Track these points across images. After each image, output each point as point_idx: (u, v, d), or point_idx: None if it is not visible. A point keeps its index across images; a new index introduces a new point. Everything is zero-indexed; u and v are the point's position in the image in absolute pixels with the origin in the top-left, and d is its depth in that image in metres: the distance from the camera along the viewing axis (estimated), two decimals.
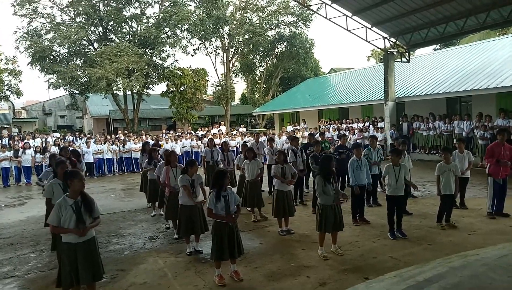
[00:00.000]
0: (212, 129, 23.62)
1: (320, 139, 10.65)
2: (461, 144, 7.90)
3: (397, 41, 16.74)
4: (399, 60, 17.29)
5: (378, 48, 18.08)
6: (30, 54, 24.22)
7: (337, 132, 17.76)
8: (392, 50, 16.87)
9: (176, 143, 17.45)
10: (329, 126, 19.70)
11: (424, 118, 15.95)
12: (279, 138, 18.04)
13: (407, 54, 17.26)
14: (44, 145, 17.36)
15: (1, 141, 18.90)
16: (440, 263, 4.76)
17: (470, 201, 8.48)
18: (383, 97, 17.05)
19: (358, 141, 15.33)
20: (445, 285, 3.86)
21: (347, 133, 16.65)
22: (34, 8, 24.92)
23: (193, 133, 20.06)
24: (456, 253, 5.36)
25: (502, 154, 7.09)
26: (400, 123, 16.78)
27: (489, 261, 4.56)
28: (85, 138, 18.74)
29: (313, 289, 4.60)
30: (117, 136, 19.82)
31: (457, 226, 6.73)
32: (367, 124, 18.23)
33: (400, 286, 4.08)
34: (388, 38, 16.64)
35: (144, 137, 18.33)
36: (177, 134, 20.05)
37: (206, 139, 16.11)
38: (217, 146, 11.06)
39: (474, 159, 13.26)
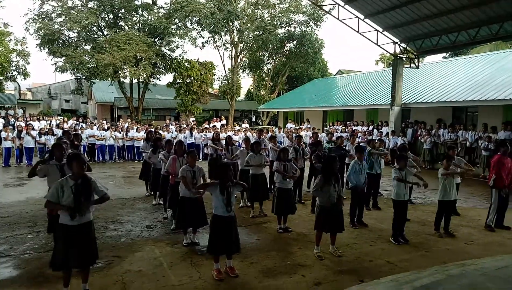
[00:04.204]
0: (214, 122, 23.55)
1: (327, 139, 10.98)
2: (453, 151, 7.80)
3: (407, 47, 16.65)
4: (408, 66, 17.20)
5: (388, 52, 17.99)
6: (40, 36, 24.22)
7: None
8: (401, 56, 16.79)
9: (179, 133, 17.45)
10: (336, 127, 19.59)
11: (428, 125, 15.89)
12: (279, 132, 18.75)
13: (417, 60, 17.17)
14: (49, 127, 17.42)
15: (3, 121, 18.98)
16: (437, 270, 4.72)
17: (470, 211, 8.44)
18: (389, 102, 16.98)
19: (361, 144, 15.27)
20: None
21: (344, 134, 16.44)
22: None
23: (187, 126, 19.76)
24: (453, 262, 5.32)
25: (506, 166, 7.03)
26: (405, 129, 16.72)
27: (488, 272, 4.52)
28: (88, 123, 18.77)
29: (308, 288, 4.58)
30: (118, 123, 19.80)
31: (455, 235, 6.69)
32: (371, 127, 18.17)
33: None
34: (398, 43, 16.56)
35: (149, 126, 18.32)
36: (181, 125, 19.95)
37: (209, 134, 16.10)
38: (221, 140, 11.06)
39: (476, 170, 13.29)
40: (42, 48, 24.77)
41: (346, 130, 18.23)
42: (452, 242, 6.37)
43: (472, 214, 8.18)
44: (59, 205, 4.01)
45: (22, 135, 14.76)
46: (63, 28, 24.59)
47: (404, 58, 16.88)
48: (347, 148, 9.85)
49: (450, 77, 17.43)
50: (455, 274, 4.45)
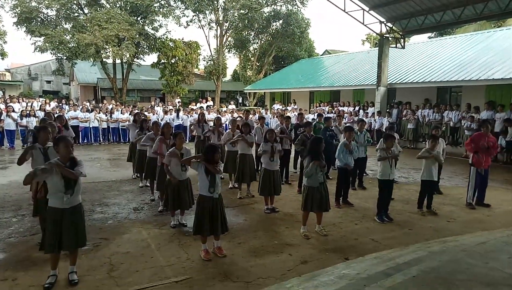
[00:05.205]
0: (202, 103, 23.33)
1: (317, 120, 10.97)
2: (437, 130, 7.93)
3: (393, 27, 16.61)
4: (394, 46, 17.22)
5: (374, 32, 17.93)
6: (16, 14, 23.30)
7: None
8: (388, 35, 16.76)
9: (166, 115, 17.24)
10: (323, 108, 19.63)
11: (414, 106, 16.03)
12: (266, 113, 18.75)
13: (403, 40, 17.18)
14: (30, 108, 16.99)
15: None
16: (420, 247, 4.87)
17: (452, 190, 8.66)
18: (375, 82, 17.05)
19: (348, 124, 15.36)
20: (424, 268, 3.96)
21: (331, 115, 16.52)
22: None
23: (173, 108, 19.57)
24: (435, 239, 5.49)
25: (485, 145, 7.19)
26: (391, 109, 16.86)
27: (468, 248, 4.69)
28: (71, 105, 18.39)
29: (295, 266, 4.67)
30: (102, 105, 19.46)
31: (437, 213, 6.87)
32: (357, 108, 18.27)
33: (380, 267, 4.17)
34: (384, 22, 16.50)
35: (134, 108, 18.01)
36: (167, 107, 19.72)
37: (195, 115, 15.95)
38: (208, 122, 10.98)
39: (460, 149, 13.58)
40: (19, 26, 23.87)
41: (333, 110, 18.29)
42: (435, 220, 6.55)
43: (455, 193, 8.39)
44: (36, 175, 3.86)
45: (2, 118, 14.37)
46: (41, 5, 23.68)
47: (390, 38, 16.87)
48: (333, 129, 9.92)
49: (435, 57, 17.54)
50: (436, 251, 4.60)
